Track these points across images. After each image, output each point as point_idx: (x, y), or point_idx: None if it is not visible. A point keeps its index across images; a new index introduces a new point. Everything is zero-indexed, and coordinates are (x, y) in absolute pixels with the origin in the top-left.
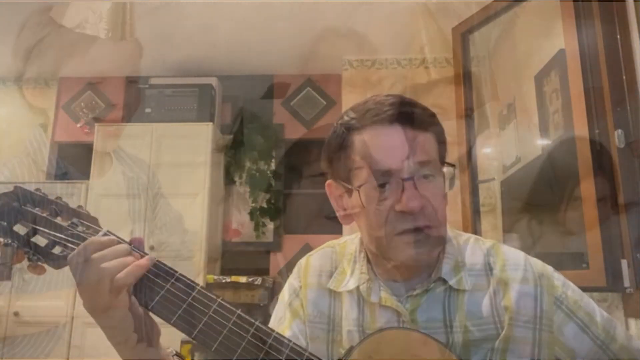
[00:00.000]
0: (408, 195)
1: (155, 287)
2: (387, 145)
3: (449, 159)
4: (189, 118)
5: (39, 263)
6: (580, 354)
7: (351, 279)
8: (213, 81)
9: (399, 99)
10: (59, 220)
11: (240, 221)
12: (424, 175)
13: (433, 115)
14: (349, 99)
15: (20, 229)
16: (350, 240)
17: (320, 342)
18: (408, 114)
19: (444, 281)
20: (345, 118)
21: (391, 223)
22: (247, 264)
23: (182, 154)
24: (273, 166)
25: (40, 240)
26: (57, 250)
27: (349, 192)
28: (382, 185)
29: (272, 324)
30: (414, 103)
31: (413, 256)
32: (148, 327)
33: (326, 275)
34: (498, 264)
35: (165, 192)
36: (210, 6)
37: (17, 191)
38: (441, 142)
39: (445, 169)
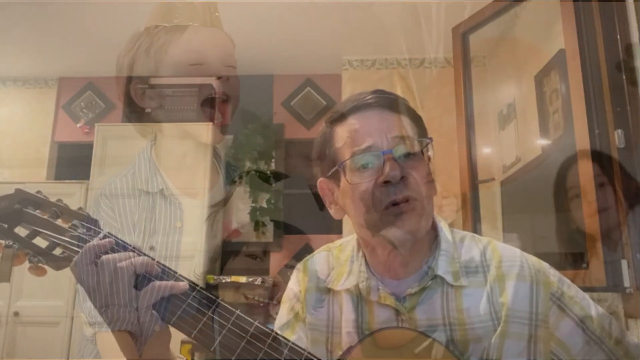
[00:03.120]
0: (388, 166)
1: None
2: (365, 125)
3: (448, 158)
4: (189, 118)
5: (40, 264)
6: (576, 349)
7: (349, 277)
8: (213, 81)
9: (375, 90)
10: (59, 222)
11: (240, 221)
12: (404, 154)
13: (406, 102)
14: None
15: (21, 231)
16: (347, 242)
17: (320, 344)
18: (384, 99)
19: (441, 278)
20: (329, 115)
21: (376, 199)
22: (247, 264)
23: (182, 154)
24: (273, 166)
25: (41, 242)
26: (57, 251)
27: (338, 185)
28: (364, 166)
29: (276, 330)
30: (389, 92)
31: (399, 229)
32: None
33: (323, 278)
34: (494, 261)
35: (165, 192)
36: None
37: (18, 194)
38: (418, 125)
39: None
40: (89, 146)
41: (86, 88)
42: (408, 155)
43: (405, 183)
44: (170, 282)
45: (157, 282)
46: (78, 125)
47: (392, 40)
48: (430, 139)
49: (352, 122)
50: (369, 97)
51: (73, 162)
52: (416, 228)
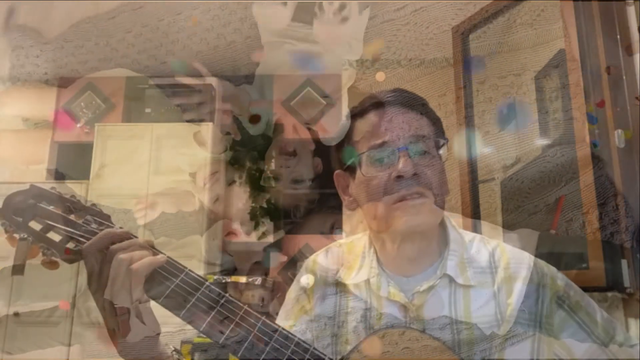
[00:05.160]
0: (402, 162)
1: (165, 281)
2: (383, 121)
3: (448, 158)
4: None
5: (53, 258)
6: (580, 353)
7: (360, 272)
8: (213, 81)
9: (395, 89)
10: (72, 217)
11: (240, 221)
12: (419, 152)
13: (426, 103)
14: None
15: (35, 225)
16: (358, 239)
17: (326, 338)
18: (403, 97)
19: (450, 277)
20: (350, 109)
21: (388, 192)
22: (247, 264)
23: (182, 154)
24: (273, 166)
25: (54, 236)
26: (70, 245)
27: (353, 177)
28: (380, 161)
29: (279, 320)
30: (409, 91)
31: (409, 223)
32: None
33: (333, 272)
34: (502, 263)
35: (165, 192)
36: (209, 5)
37: (32, 189)
38: (436, 125)
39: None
40: (89, 146)
41: (86, 88)
42: (423, 154)
43: (418, 180)
44: (148, 259)
45: (135, 265)
46: (78, 125)
47: (392, 40)
48: (447, 140)
49: (372, 117)
50: (390, 95)
51: (73, 162)
52: (424, 222)
